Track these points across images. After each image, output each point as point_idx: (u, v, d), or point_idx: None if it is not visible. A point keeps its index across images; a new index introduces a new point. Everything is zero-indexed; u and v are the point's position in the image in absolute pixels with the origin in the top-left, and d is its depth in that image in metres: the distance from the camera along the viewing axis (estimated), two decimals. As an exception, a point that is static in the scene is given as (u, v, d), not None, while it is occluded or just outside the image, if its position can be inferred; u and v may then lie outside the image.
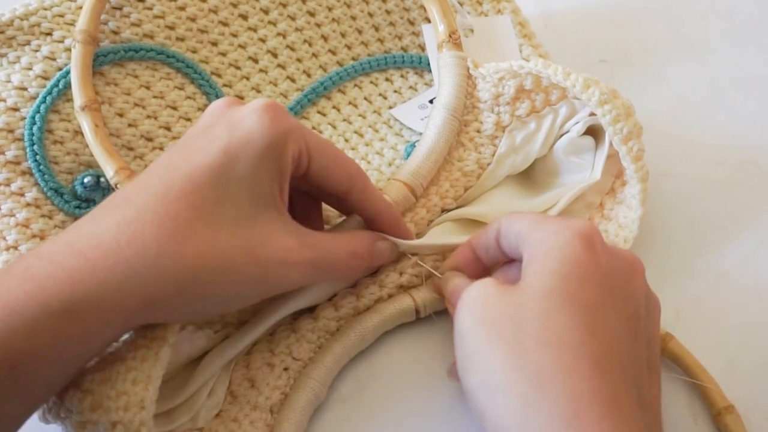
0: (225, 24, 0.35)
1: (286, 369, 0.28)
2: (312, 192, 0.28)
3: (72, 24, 0.32)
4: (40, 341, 0.21)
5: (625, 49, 0.43)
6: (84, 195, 0.31)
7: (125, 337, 0.25)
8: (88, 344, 0.22)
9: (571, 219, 0.26)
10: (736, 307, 0.32)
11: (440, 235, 0.32)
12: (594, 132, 0.33)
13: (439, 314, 0.30)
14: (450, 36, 0.34)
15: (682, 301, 0.32)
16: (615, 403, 0.21)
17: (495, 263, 0.29)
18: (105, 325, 0.22)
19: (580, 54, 0.42)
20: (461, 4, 0.37)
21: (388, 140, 0.35)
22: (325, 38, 0.36)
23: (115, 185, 0.30)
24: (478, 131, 0.33)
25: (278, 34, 0.36)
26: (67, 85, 0.31)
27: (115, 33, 0.33)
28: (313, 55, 0.36)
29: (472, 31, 0.36)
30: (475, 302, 0.24)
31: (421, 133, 0.35)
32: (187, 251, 0.23)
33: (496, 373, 0.23)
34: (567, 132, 0.33)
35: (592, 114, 0.32)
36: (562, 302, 0.23)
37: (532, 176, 0.34)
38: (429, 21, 0.37)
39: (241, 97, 0.35)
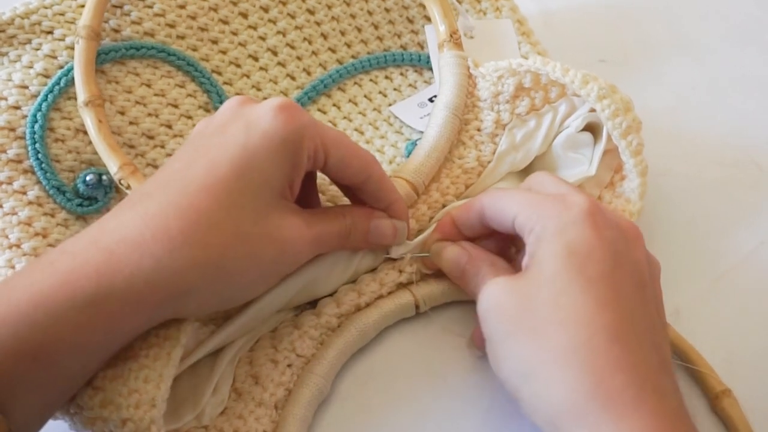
0: (225, 22, 0.35)
1: (289, 365, 0.28)
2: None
3: (72, 22, 0.32)
4: (63, 334, 0.21)
5: (625, 49, 0.43)
6: (86, 193, 0.31)
7: None
8: (111, 337, 0.23)
9: (566, 194, 0.26)
10: (736, 307, 0.32)
11: None
12: (592, 128, 0.33)
13: (438, 309, 0.31)
14: (451, 36, 0.34)
15: (682, 301, 0.32)
16: (636, 370, 0.22)
17: (477, 237, 0.30)
18: (130, 317, 0.22)
19: (579, 54, 0.42)
20: (460, 2, 0.37)
21: (388, 138, 0.36)
22: (324, 36, 0.37)
23: (119, 181, 0.30)
24: (479, 129, 0.33)
25: (278, 32, 0.36)
26: (69, 83, 0.31)
27: (116, 31, 0.33)
28: (313, 53, 0.36)
29: (472, 37, 0.37)
30: (492, 303, 0.25)
31: (420, 131, 0.35)
32: (213, 240, 0.23)
33: (522, 361, 0.24)
34: (566, 128, 0.33)
35: (591, 110, 0.32)
36: (569, 281, 0.24)
37: (531, 172, 0.34)
38: (428, 19, 0.37)
39: (242, 95, 0.35)
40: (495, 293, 0.25)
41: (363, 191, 0.28)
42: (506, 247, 0.30)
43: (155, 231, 0.23)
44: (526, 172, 0.34)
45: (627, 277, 0.24)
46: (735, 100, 0.40)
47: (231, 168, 0.24)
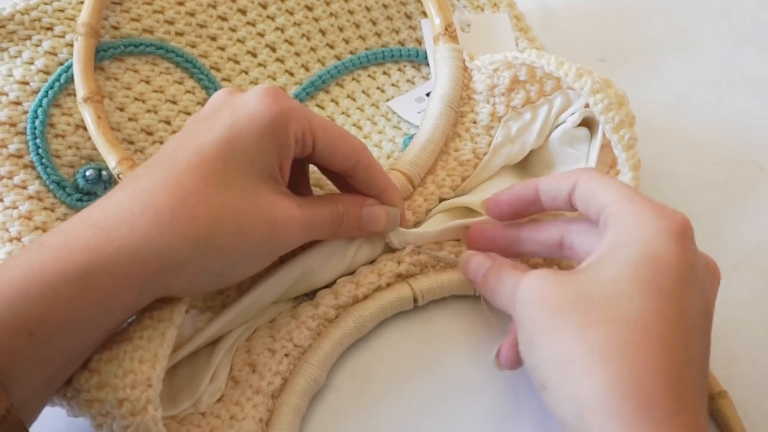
0: (224, 19, 0.35)
1: (286, 355, 0.28)
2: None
3: (72, 19, 0.32)
4: (57, 308, 0.21)
5: (625, 48, 0.43)
6: (86, 188, 0.32)
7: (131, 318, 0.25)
8: (105, 312, 0.23)
9: (664, 206, 0.25)
10: (736, 307, 0.32)
11: (438, 225, 0.32)
12: (588, 123, 0.33)
13: (436, 302, 0.31)
14: (446, 29, 0.34)
15: None
16: (679, 383, 0.21)
17: (553, 209, 0.28)
18: (122, 291, 0.23)
19: (579, 53, 0.42)
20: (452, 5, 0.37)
21: (386, 133, 0.36)
22: (323, 32, 0.37)
23: (118, 175, 0.30)
24: (474, 122, 0.33)
25: (276, 28, 0.36)
26: (69, 80, 0.32)
27: (115, 28, 0.33)
28: (311, 49, 0.37)
29: (468, 25, 0.37)
30: (536, 293, 0.24)
31: (418, 126, 0.35)
32: (201, 214, 0.24)
33: (560, 348, 0.23)
34: (563, 123, 0.33)
35: (587, 105, 0.32)
36: (635, 287, 0.23)
37: (528, 167, 0.35)
38: (426, 15, 0.37)
39: (240, 91, 0.35)
40: (540, 284, 0.24)
41: (353, 178, 0.28)
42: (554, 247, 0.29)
43: (143, 206, 0.23)
44: (522, 165, 0.35)
45: (697, 300, 0.23)
46: (735, 100, 0.40)
47: (217, 148, 0.25)
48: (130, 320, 0.25)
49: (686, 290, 0.23)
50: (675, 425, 0.21)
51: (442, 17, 0.34)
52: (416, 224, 0.32)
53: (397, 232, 0.30)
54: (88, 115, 0.31)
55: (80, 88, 0.31)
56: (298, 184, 0.29)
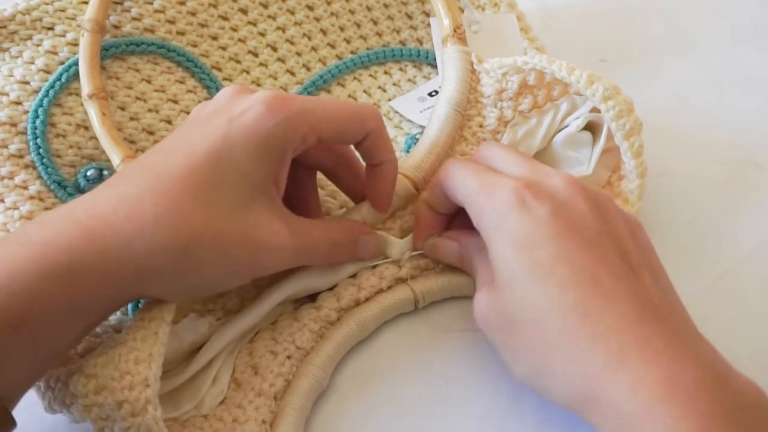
0: (225, 18, 0.35)
1: (289, 357, 0.28)
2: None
3: (73, 18, 0.32)
4: (39, 304, 0.22)
5: (625, 49, 0.43)
6: (87, 188, 0.31)
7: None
8: (85, 308, 0.23)
9: (494, 180, 0.26)
10: (736, 307, 0.32)
11: None
12: (590, 127, 0.33)
13: (437, 304, 0.31)
14: (454, 31, 0.34)
15: (682, 301, 0.31)
16: (609, 331, 0.22)
17: (452, 210, 0.30)
18: (101, 290, 0.23)
19: (579, 53, 0.41)
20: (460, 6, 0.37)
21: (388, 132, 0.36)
22: (324, 32, 0.37)
23: (122, 173, 0.30)
24: (481, 126, 0.33)
25: (278, 28, 0.36)
26: (70, 79, 0.32)
27: (117, 27, 0.33)
28: (313, 48, 0.36)
29: (476, 25, 0.36)
30: (481, 320, 0.26)
31: (420, 125, 0.35)
32: (183, 228, 0.23)
33: (526, 363, 0.24)
34: (566, 126, 0.33)
35: (593, 110, 0.32)
36: (524, 277, 0.24)
37: None
38: (427, 15, 0.37)
39: (242, 91, 0.35)
40: (481, 309, 0.26)
41: (359, 148, 0.28)
42: None
43: (128, 212, 0.23)
44: None
45: (577, 245, 0.24)
46: (735, 100, 0.40)
47: (209, 159, 0.24)
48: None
49: (564, 245, 0.24)
50: (644, 363, 0.22)
51: (451, 18, 0.34)
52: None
53: (393, 243, 0.30)
54: (93, 111, 0.31)
55: (86, 84, 0.31)
56: (305, 192, 0.29)
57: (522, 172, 0.27)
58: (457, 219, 0.31)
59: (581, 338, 0.23)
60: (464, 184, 0.27)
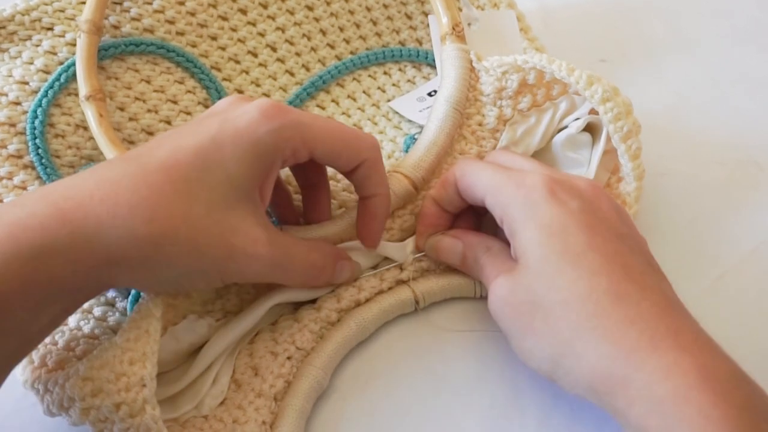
0: (224, 18, 0.35)
1: (289, 358, 0.28)
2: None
3: (72, 19, 0.32)
4: (10, 284, 0.21)
5: (625, 49, 0.43)
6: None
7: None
8: (55, 291, 0.22)
9: (524, 175, 0.27)
10: (736, 307, 0.32)
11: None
12: (590, 128, 0.33)
13: (437, 305, 0.31)
14: (453, 28, 0.34)
15: (682, 301, 0.31)
16: (645, 318, 0.23)
17: (460, 210, 0.31)
18: (71, 274, 0.22)
19: (579, 53, 0.42)
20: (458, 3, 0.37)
21: (387, 133, 0.36)
22: (323, 32, 0.37)
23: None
24: (480, 124, 0.33)
25: (277, 28, 0.36)
26: (69, 79, 0.31)
27: (116, 27, 0.33)
28: (312, 49, 0.36)
29: (475, 21, 0.36)
30: (500, 305, 0.26)
31: (419, 125, 0.35)
32: (158, 218, 0.23)
33: (545, 348, 0.25)
34: (565, 127, 0.33)
35: (592, 111, 0.32)
36: (557, 261, 0.25)
37: None
38: (426, 15, 0.37)
39: (241, 91, 0.35)
40: (500, 295, 0.26)
41: (351, 176, 0.28)
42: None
43: (104, 195, 0.23)
44: None
45: (606, 238, 0.25)
46: (735, 100, 0.40)
47: (194, 155, 0.24)
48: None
49: (594, 237, 0.25)
50: (662, 353, 0.22)
51: (450, 16, 0.34)
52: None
53: (397, 247, 0.30)
54: (90, 113, 0.31)
55: (83, 86, 0.31)
56: (317, 204, 0.29)
57: (546, 171, 0.28)
58: (459, 221, 0.31)
59: (613, 321, 0.23)
60: (488, 177, 0.28)
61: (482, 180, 0.28)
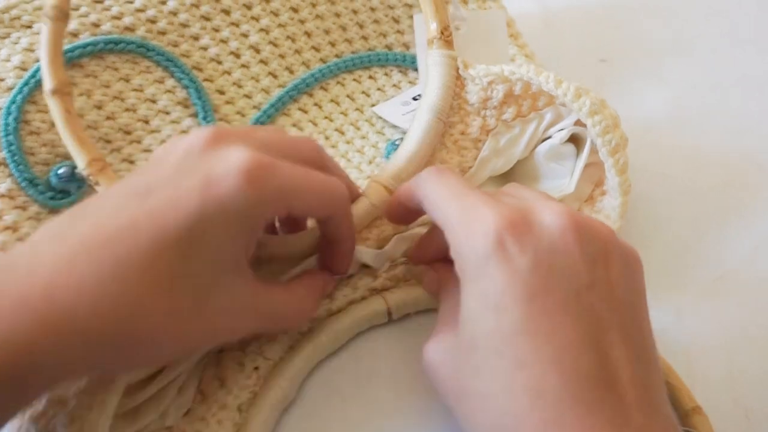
0: (207, 18, 0.35)
1: (256, 368, 0.28)
2: None
3: (51, 17, 0.32)
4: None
5: (626, 49, 0.42)
6: (58, 186, 0.31)
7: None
8: (34, 393, 0.21)
9: (480, 210, 0.23)
10: (737, 307, 0.31)
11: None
12: (574, 139, 0.32)
13: (411, 316, 0.30)
14: (441, 33, 0.33)
15: (682, 301, 0.31)
16: (561, 419, 0.20)
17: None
18: (54, 380, 0.21)
19: (579, 54, 0.42)
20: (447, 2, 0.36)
21: (369, 138, 0.35)
22: (308, 35, 0.36)
23: (88, 177, 0.29)
24: (463, 133, 0.33)
25: (261, 29, 0.35)
26: (45, 75, 0.31)
27: (96, 25, 0.33)
28: (296, 51, 0.36)
29: (462, 21, 0.35)
30: (430, 369, 0.24)
31: (403, 131, 0.34)
32: (142, 325, 0.21)
33: (471, 427, 0.22)
34: (549, 137, 0.32)
35: (577, 122, 0.31)
36: (486, 344, 0.22)
37: (511, 179, 0.34)
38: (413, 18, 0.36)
39: (222, 92, 0.35)
40: (431, 362, 0.24)
41: (320, 222, 0.27)
42: None
43: (88, 308, 0.20)
44: (506, 176, 0.34)
45: (554, 304, 0.21)
46: (735, 100, 0.40)
47: (178, 241, 0.21)
48: None
49: (531, 314, 0.21)
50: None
51: (439, 20, 0.32)
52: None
53: (375, 255, 0.30)
54: (56, 109, 0.29)
55: (48, 78, 0.29)
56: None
57: (510, 200, 0.24)
58: None
59: (529, 425, 0.20)
60: (443, 210, 0.24)
61: (438, 211, 0.25)
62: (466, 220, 0.23)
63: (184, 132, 0.33)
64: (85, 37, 0.32)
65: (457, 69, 0.32)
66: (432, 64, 0.33)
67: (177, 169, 0.23)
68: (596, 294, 0.22)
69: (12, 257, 0.21)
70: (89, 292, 0.20)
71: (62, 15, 0.29)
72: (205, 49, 0.34)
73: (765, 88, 0.40)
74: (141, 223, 0.21)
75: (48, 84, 0.29)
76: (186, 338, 0.22)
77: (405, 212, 0.28)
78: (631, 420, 0.20)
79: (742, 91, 0.40)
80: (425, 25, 0.33)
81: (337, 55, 0.37)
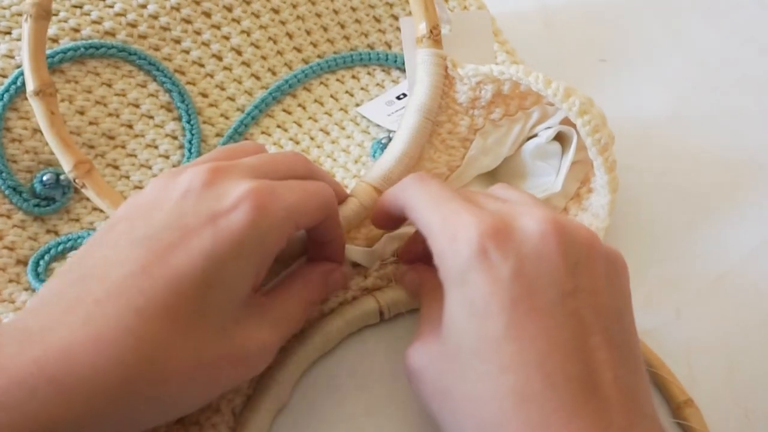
0: (188, 21, 0.34)
1: (249, 371, 0.27)
2: None
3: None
4: None
5: (626, 48, 0.42)
6: (43, 193, 0.31)
7: None
8: None
9: (462, 217, 0.23)
10: (736, 307, 0.31)
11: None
12: (559, 137, 0.32)
13: (403, 315, 0.30)
14: (431, 31, 0.32)
15: (682, 301, 0.31)
16: (546, 422, 0.20)
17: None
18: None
19: (579, 53, 0.41)
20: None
21: (354, 137, 0.35)
22: (290, 36, 0.36)
23: (74, 180, 0.29)
24: (451, 132, 0.32)
25: (242, 31, 0.35)
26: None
27: (76, 30, 0.32)
28: (278, 52, 0.36)
29: (447, 23, 0.35)
30: (412, 373, 0.24)
31: (388, 130, 0.34)
32: (166, 373, 0.21)
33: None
34: (536, 135, 0.32)
35: (563, 121, 0.31)
36: (471, 348, 0.22)
37: (498, 177, 0.34)
38: (395, 18, 0.36)
39: (205, 95, 0.34)
40: (414, 367, 0.24)
41: (315, 229, 0.27)
42: None
43: (109, 370, 0.20)
44: (493, 175, 0.34)
45: (537, 309, 0.21)
46: (735, 99, 0.40)
47: (194, 285, 0.21)
48: None
49: (514, 319, 0.21)
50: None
51: (428, 19, 0.32)
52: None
53: (365, 253, 0.29)
54: (39, 111, 0.28)
55: (30, 79, 0.28)
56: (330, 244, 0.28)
57: (493, 205, 0.24)
58: None
59: (512, 428, 0.20)
60: (425, 217, 0.24)
61: (421, 219, 0.24)
62: (448, 227, 0.23)
63: (169, 136, 0.33)
64: (65, 43, 0.32)
65: (446, 68, 0.32)
66: (421, 62, 0.32)
67: (179, 212, 0.22)
68: (579, 298, 0.22)
69: (19, 323, 0.21)
70: (107, 347, 0.20)
71: (45, 13, 0.28)
72: (186, 52, 0.34)
73: (765, 88, 0.40)
74: (155, 271, 0.21)
75: (31, 84, 0.28)
76: (218, 380, 0.22)
77: (389, 219, 0.28)
78: (614, 423, 0.20)
79: (742, 91, 0.40)
80: (412, 24, 0.33)
81: (319, 56, 0.36)
